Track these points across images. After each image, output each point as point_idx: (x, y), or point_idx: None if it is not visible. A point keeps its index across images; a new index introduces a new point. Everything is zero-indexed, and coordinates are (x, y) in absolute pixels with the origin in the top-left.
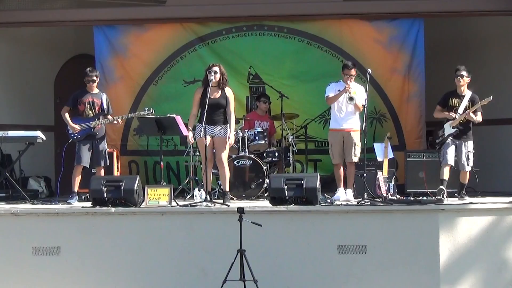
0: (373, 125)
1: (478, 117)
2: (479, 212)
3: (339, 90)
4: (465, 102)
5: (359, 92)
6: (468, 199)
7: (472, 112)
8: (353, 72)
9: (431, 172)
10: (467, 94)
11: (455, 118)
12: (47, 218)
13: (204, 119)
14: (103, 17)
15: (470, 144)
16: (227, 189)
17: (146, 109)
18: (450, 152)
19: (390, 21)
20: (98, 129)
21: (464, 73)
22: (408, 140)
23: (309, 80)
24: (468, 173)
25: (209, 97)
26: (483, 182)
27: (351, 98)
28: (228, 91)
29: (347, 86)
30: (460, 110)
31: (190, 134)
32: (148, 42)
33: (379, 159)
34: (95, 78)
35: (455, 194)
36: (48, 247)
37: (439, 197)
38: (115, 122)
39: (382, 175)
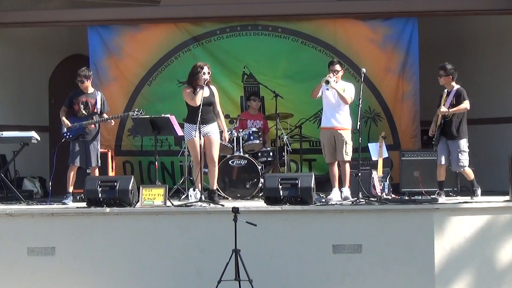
0: (368, 124)
1: (461, 106)
2: (474, 211)
3: (327, 89)
4: (450, 98)
5: (347, 89)
6: (479, 194)
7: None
8: (338, 67)
9: (425, 171)
10: (454, 89)
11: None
12: (42, 218)
13: (199, 119)
14: (97, 17)
15: (462, 143)
16: (215, 187)
17: (136, 110)
18: (440, 152)
19: (384, 20)
20: (91, 129)
21: (440, 71)
22: (402, 139)
23: (304, 80)
24: (469, 170)
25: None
26: (478, 181)
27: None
28: (213, 87)
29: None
30: (445, 106)
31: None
32: (142, 42)
33: (373, 158)
34: (83, 79)
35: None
36: (43, 247)
37: (434, 196)
38: (109, 122)
39: (377, 175)
